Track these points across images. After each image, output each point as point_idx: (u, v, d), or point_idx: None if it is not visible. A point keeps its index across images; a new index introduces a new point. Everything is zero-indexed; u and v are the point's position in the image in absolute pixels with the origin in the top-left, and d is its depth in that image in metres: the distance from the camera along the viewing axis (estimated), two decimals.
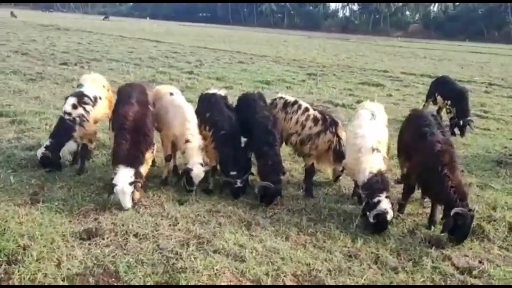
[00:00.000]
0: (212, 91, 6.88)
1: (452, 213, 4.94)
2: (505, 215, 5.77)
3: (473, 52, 43.40)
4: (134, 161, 5.42)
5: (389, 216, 5.15)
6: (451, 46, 53.25)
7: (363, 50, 39.90)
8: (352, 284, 4.30)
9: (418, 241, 5.25)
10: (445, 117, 10.56)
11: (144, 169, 5.59)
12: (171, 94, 6.69)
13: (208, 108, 6.45)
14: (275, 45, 39.20)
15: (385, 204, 5.15)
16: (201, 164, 5.95)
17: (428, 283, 4.41)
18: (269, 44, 40.29)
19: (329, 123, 6.38)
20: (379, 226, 5.24)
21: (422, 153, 5.41)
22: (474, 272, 4.60)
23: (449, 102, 10.09)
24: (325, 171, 6.80)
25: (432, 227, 5.52)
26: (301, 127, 6.43)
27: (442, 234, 5.19)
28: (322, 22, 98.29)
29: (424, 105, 11.29)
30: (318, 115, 6.45)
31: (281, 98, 6.85)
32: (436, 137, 5.43)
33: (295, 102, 6.68)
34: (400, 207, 5.89)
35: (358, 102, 13.81)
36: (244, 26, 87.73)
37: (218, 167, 6.37)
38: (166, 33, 47.06)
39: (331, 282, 4.28)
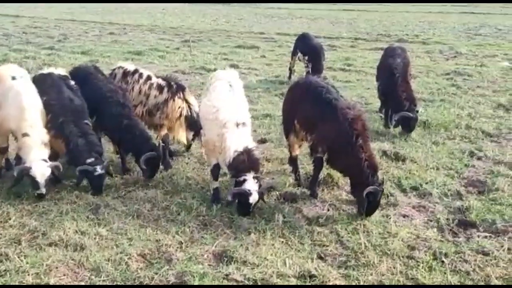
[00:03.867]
0: (47, 70, 6.00)
1: (365, 193, 4.64)
2: None
3: (345, 10, 45.80)
4: None
5: (252, 199, 4.65)
6: (326, 5, 55.60)
7: (242, 14, 39.87)
8: (203, 252, 4.19)
9: (274, 198, 5.33)
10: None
11: None
12: (13, 78, 5.53)
13: (43, 91, 5.57)
14: (153, 14, 37.44)
15: (249, 184, 4.67)
16: (45, 160, 5.09)
17: (278, 238, 4.46)
18: (147, 13, 38.37)
19: (175, 89, 6.12)
20: (240, 207, 4.82)
21: (331, 122, 4.94)
22: (321, 220, 4.78)
23: (307, 58, 10.40)
24: (180, 140, 6.50)
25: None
26: (146, 96, 6.08)
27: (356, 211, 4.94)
28: None
29: (290, 63, 11.51)
30: (162, 82, 6.14)
31: (120, 67, 6.35)
32: (343, 103, 5.11)
33: (136, 70, 6.26)
34: (311, 183, 5.43)
35: (232, 66, 13.72)
36: None
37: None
38: (29, 6, 42.28)
39: (180, 255, 4.12)
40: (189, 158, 6.48)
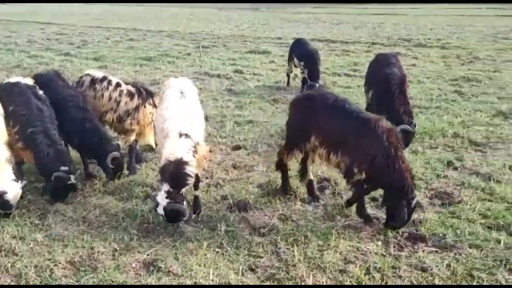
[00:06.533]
0: (14, 79, 6.00)
1: (413, 204, 4.52)
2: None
3: (373, 14, 44.95)
4: None
5: (158, 210, 4.51)
6: (356, 9, 54.81)
7: (268, 19, 39.92)
8: (133, 261, 4.17)
9: (226, 207, 5.25)
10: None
11: None
12: None
13: (10, 100, 5.59)
14: (180, 20, 38.06)
15: (159, 197, 4.49)
16: (15, 180, 4.97)
17: (215, 248, 4.39)
18: (174, 19, 39.02)
19: (145, 96, 6.22)
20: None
21: (368, 138, 4.63)
22: (263, 230, 4.67)
23: (302, 63, 10.26)
24: (150, 143, 6.56)
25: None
26: (116, 103, 6.16)
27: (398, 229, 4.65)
28: None
29: (287, 68, 11.40)
30: (132, 89, 6.24)
31: (87, 75, 6.43)
32: (371, 115, 4.86)
33: (104, 78, 6.32)
34: (360, 210, 4.95)
35: (236, 71, 13.81)
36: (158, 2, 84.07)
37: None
38: (65, 14, 44.04)
39: (109, 263, 4.12)
40: (155, 164, 6.48)
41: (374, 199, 5.30)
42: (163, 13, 48.98)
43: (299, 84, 11.06)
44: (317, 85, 10.09)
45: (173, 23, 33.27)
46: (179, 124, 4.79)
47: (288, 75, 11.47)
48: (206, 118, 8.57)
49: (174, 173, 4.52)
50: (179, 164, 4.54)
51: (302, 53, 10.39)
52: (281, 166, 5.56)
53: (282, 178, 5.59)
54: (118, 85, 6.25)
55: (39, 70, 13.19)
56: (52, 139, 5.41)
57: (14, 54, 16.69)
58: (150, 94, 6.30)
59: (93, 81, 6.26)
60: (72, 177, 5.27)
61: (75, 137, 5.84)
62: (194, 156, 4.67)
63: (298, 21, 36.79)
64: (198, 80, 12.44)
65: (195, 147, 4.72)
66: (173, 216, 4.55)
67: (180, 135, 4.71)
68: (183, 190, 4.63)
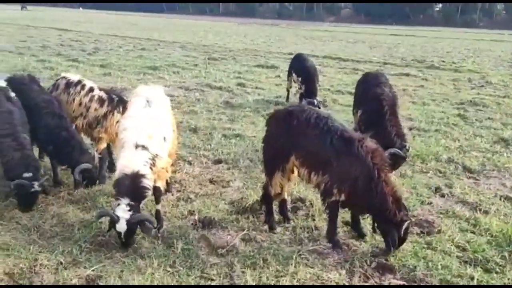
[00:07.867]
0: None
1: (403, 228, 4.21)
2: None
3: (392, 35, 44.61)
4: None
5: (119, 226, 4.21)
6: (375, 29, 54.64)
7: (285, 35, 39.96)
8: (74, 276, 3.91)
9: (191, 223, 4.97)
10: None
11: None
12: None
13: None
14: (197, 32, 38.36)
15: (119, 210, 4.23)
16: None
17: (166, 267, 4.10)
18: (192, 31, 39.35)
19: (116, 103, 5.96)
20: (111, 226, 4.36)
21: (350, 158, 4.33)
22: (221, 251, 4.37)
23: (300, 79, 10.02)
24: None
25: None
26: (86, 109, 5.93)
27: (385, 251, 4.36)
28: (257, 9, 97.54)
29: (287, 84, 11.17)
30: (104, 95, 5.99)
31: (63, 78, 6.23)
32: (356, 134, 4.65)
33: (79, 82, 6.10)
34: (330, 234, 4.61)
35: (239, 84, 13.63)
36: (180, 14, 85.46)
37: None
38: (86, 21, 44.98)
39: (49, 277, 3.86)
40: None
41: (347, 224, 4.95)
42: (182, 25, 49.61)
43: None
44: (315, 101, 9.81)
45: (190, 35, 33.51)
46: (137, 135, 4.49)
47: (288, 90, 11.24)
48: (195, 130, 8.48)
49: (132, 187, 4.28)
50: (135, 177, 4.29)
51: (300, 69, 10.15)
52: (267, 199, 4.96)
53: (266, 211, 4.99)
54: (91, 90, 6.01)
55: (43, 74, 13.37)
56: (20, 143, 5.21)
57: (23, 58, 16.87)
58: (122, 102, 6.01)
59: (68, 84, 6.07)
60: (36, 184, 5.04)
61: (49, 145, 5.62)
62: (151, 169, 4.42)
63: (314, 38, 36.71)
64: (198, 91, 12.31)
65: (153, 159, 4.46)
66: (133, 230, 4.30)
67: (136, 146, 4.43)
68: (141, 203, 4.40)
